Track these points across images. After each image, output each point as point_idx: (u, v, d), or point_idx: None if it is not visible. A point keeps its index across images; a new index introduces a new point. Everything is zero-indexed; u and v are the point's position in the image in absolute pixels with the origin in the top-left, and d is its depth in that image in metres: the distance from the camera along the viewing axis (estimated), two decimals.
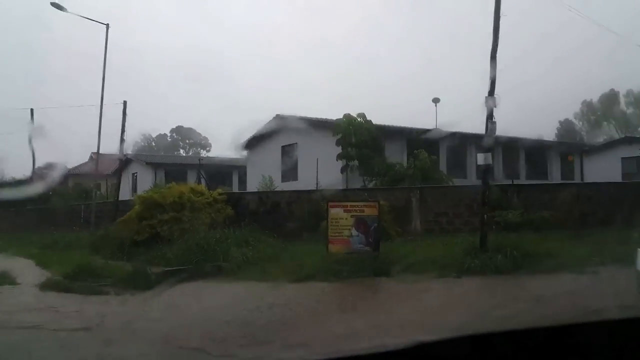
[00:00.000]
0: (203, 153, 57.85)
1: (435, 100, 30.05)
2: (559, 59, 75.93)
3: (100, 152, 23.00)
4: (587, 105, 65.05)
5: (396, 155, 22.38)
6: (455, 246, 11.36)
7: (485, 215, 10.39)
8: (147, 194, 15.58)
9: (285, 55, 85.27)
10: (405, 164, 20.77)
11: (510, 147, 26.80)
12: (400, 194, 16.12)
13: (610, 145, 36.01)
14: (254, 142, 26.69)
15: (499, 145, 26.50)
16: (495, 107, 10.47)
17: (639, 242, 13.13)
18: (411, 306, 7.95)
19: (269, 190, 20.87)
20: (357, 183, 20.25)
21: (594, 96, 64.51)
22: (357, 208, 10.77)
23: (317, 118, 23.10)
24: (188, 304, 7.20)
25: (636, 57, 66.84)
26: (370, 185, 19.48)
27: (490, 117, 10.46)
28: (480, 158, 10.54)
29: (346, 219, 10.70)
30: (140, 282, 9.40)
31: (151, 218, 13.65)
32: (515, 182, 20.19)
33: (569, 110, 67.35)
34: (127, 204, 18.94)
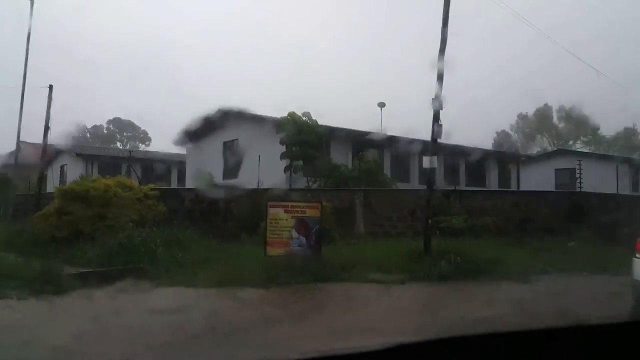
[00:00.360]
0: (142, 147, 55.27)
1: (381, 105, 29.96)
2: (498, 71, 79.05)
3: (30, 141, 21.00)
4: (523, 118, 67.97)
5: (341, 157, 21.91)
6: (399, 251, 10.93)
7: (430, 220, 10.01)
8: (67, 186, 14.16)
9: (235, 48, 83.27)
10: (350, 166, 20.35)
11: (451, 154, 27.15)
12: (344, 196, 15.61)
13: (545, 156, 37.57)
14: (195, 137, 25.38)
15: (441, 152, 26.83)
16: (441, 109, 10.14)
17: (576, 250, 13.24)
18: (352, 314, 7.36)
19: (206, 187, 19.77)
20: (301, 184, 19.59)
21: (529, 110, 67.54)
22: (299, 209, 10.10)
23: (261, 114, 22.20)
24: (96, 313, 6.21)
25: (570, 73, 70.47)
26: (315, 186, 18.87)
27: (436, 119, 10.12)
28: (426, 161, 10.17)
29: (286, 219, 10.00)
30: (50, 285, 8.24)
31: (72, 213, 12.33)
32: (457, 188, 20.28)
33: (506, 122, 70.23)
34: (52, 198, 17.31)
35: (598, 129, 63.77)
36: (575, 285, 9.05)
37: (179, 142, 25.71)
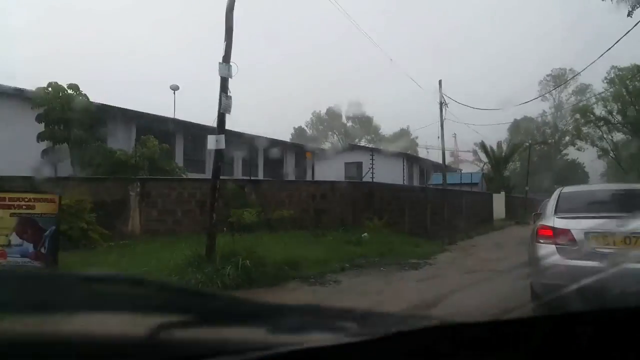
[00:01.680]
0: None
1: (174, 88, 26.73)
2: (297, 69, 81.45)
3: None
4: (316, 116, 71.38)
5: (124, 143, 18.33)
6: (178, 254, 8.47)
7: (215, 215, 7.81)
8: None
9: None
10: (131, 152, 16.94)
11: (249, 145, 25.62)
12: (115, 187, 12.43)
13: (335, 150, 39.03)
14: None
15: (238, 142, 25.02)
16: (230, 77, 8.03)
17: (369, 241, 12.52)
18: None
19: None
20: (67, 171, 15.45)
21: (322, 108, 71.10)
22: (24, 203, 6.84)
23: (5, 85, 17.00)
24: None
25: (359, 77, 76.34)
26: (83, 175, 15.01)
27: (224, 88, 7.97)
28: (211, 141, 7.94)
29: (3, 218, 6.69)
30: None
31: None
32: (253, 178, 18.62)
33: (302, 119, 72.71)
34: None
35: (379, 128, 70.74)
36: (375, 285, 7.90)
37: None
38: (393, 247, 11.92)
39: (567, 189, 6.64)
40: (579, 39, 73.53)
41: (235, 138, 24.53)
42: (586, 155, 52.79)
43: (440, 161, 27.25)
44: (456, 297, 5.86)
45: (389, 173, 28.85)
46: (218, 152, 8.02)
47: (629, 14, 14.98)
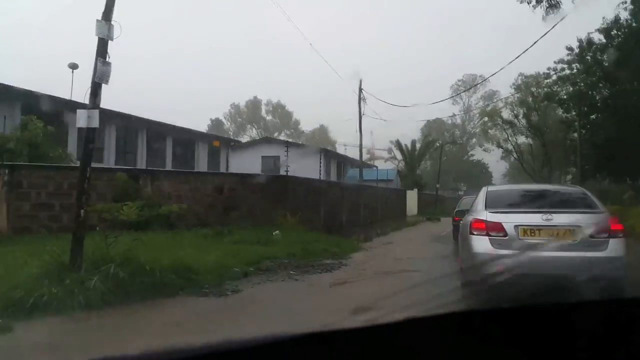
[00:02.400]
0: None
1: (73, 66, 23.70)
2: (214, 60, 78.05)
3: None
4: (235, 108, 68.90)
5: (3, 125, 15.65)
6: (39, 259, 6.70)
7: (83, 211, 6.16)
8: None
9: None
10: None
11: (156, 133, 23.44)
12: None
13: (252, 143, 37.61)
14: None
15: (142, 129, 22.77)
16: (111, 38, 6.44)
17: (281, 240, 11.34)
18: None
19: None
20: None
21: (241, 101, 68.78)
22: None
23: None
24: None
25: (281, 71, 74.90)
26: None
27: (102, 53, 6.34)
28: (81, 117, 6.28)
29: None
30: None
31: None
32: (163, 169, 16.68)
33: (220, 110, 69.85)
34: None
35: (299, 123, 69.85)
36: (281, 295, 6.71)
37: None
38: (306, 247, 10.82)
39: (492, 188, 7.27)
40: (495, 47, 77.58)
41: (139, 124, 22.38)
42: (491, 156, 55.68)
43: (358, 157, 26.81)
44: (376, 304, 4.91)
45: (307, 168, 28.02)
46: (90, 132, 6.38)
47: (544, 18, 15.11)
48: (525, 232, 5.62)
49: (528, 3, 15.03)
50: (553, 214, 5.66)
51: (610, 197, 23.12)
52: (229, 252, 8.96)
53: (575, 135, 28.99)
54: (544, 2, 14.81)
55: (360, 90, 22.29)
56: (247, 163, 30.49)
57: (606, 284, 5.23)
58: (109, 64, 6.44)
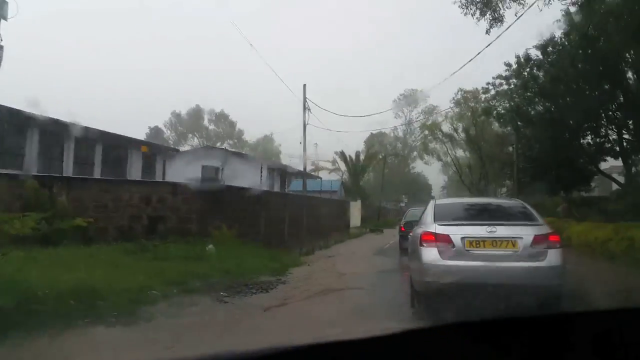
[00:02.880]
0: None
1: None
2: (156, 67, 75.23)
3: None
4: (176, 117, 66.35)
5: None
6: None
7: None
8: None
9: None
10: None
11: (85, 139, 21.55)
12: None
13: (193, 152, 36.04)
14: None
15: (69, 135, 20.86)
16: (5, 18, 5.29)
17: (215, 255, 10.28)
18: None
19: None
20: None
21: (183, 109, 66.40)
22: None
23: None
24: None
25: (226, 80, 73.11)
26: None
27: None
28: None
29: None
30: None
31: None
32: (81, 177, 15.05)
33: (161, 118, 67.06)
34: None
35: (243, 134, 68.26)
36: (203, 323, 5.70)
37: None
38: (242, 262, 9.84)
39: (440, 202, 7.54)
40: (439, 62, 79.52)
41: (64, 130, 20.45)
42: (431, 169, 56.82)
43: (302, 168, 26.10)
44: (314, 330, 4.10)
45: (250, 178, 26.97)
46: None
47: (487, 32, 15.08)
48: (471, 243, 5.88)
49: (472, 15, 14.95)
50: (497, 226, 5.95)
51: (545, 209, 23.77)
52: (151, 270, 7.83)
53: (511, 149, 29.79)
54: (487, 15, 14.77)
55: (305, 97, 21.61)
56: (186, 172, 28.93)
57: (545, 291, 5.55)
58: (1, 47, 5.26)
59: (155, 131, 62.17)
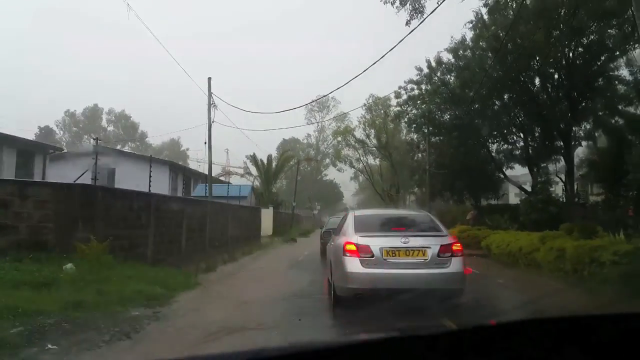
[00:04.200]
0: None
1: None
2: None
3: None
4: (71, 116, 59.56)
5: None
6: None
7: None
8: None
9: None
10: None
11: None
12: None
13: (83, 153, 31.94)
14: None
15: None
16: None
17: (75, 278, 7.75)
18: None
19: None
20: None
21: (79, 108, 59.75)
22: None
23: None
24: None
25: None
26: None
27: None
28: None
29: None
30: None
31: None
32: None
33: (53, 118, 59.70)
34: None
35: (146, 136, 62.91)
36: None
37: None
38: (108, 288, 7.19)
39: (357, 213, 7.86)
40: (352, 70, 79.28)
41: None
42: (343, 176, 56.18)
43: (207, 171, 23.39)
44: None
45: (153, 183, 23.81)
46: None
47: (407, 23, 13.75)
48: (388, 253, 6.37)
49: (392, 4, 13.53)
50: (409, 237, 6.48)
51: (454, 217, 23.25)
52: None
53: (421, 155, 29.28)
54: (407, 4, 13.42)
55: (210, 92, 19.10)
56: (74, 175, 24.95)
57: (449, 294, 6.34)
58: None
59: (46, 131, 55.17)
